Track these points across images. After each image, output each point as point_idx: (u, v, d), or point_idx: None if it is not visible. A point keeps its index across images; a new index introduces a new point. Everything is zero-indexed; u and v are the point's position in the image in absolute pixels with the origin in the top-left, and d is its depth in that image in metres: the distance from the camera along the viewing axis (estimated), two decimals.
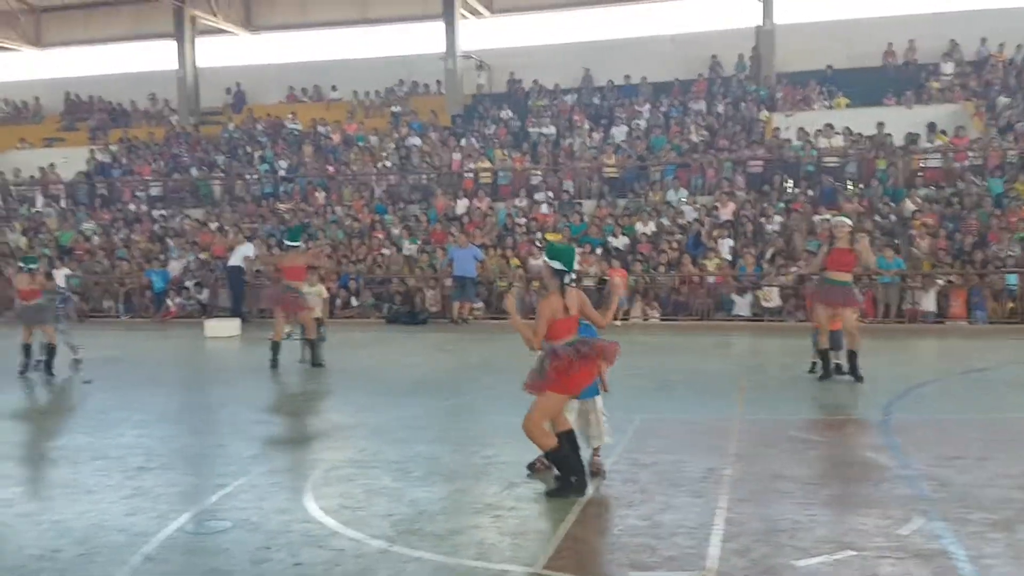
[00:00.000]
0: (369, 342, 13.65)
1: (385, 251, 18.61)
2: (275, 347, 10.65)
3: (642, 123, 22.91)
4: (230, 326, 14.95)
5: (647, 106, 23.71)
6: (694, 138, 21.27)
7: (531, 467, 5.68)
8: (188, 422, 7.68)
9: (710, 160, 19.93)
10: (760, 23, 24.22)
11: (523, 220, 19.30)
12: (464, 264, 15.97)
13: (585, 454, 5.47)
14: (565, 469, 5.14)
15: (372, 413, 7.78)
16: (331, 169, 23.27)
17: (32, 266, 10.74)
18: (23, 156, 26.43)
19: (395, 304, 17.10)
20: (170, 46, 28.68)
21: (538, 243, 17.94)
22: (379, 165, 23.10)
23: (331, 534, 4.60)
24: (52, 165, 24.41)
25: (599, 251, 16.97)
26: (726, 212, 18.15)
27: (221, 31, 28.87)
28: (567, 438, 5.23)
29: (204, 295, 18.09)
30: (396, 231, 19.54)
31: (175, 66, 28.50)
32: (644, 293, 15.93)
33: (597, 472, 5.48)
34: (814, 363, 9.28)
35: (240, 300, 17.33)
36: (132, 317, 18.16)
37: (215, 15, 27.81)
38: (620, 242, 17.59)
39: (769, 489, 5.36)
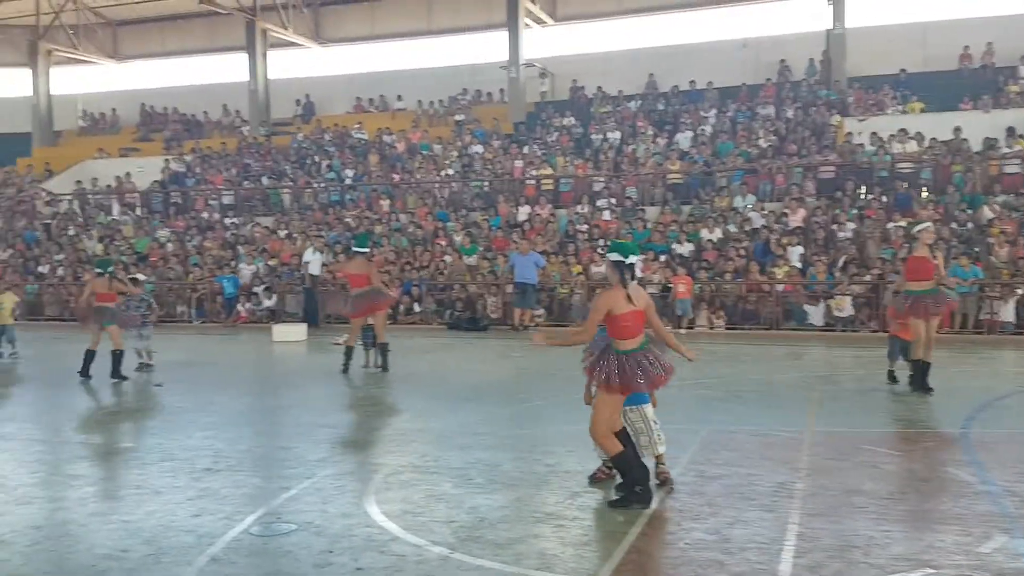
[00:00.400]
0: (431, 348, 13.70)
1: (447, 258, 18.71)
2: (348, 352, 10.74)
3: (708, 128, 22.60)
4: (297, 331, 15.19)
5: (713, 111, 23.39)
6: (762, 143, 20.87)
7: (593, 477, 5.58)
8: (255, 424, 7.79)
9: (779, 166, 19.51)
10: (831, 27, 23.69)
11: (585, 227, 19.20)
12: (525, 271, 15.93)
13: (649, 464, 5.35)
14: (629, 476, 5.02)
15: (434, 418, 7.78)
16: (396, 177, 23.54)
17: (108, 270, 11.00)
18: (100, 166, 27.42)
19: (457, 310, 17.16)
20: (242, 59, 29.46)
21: (600, 250, 17.82)
22: (442, 173, 23.28)
23: (392, 539, 4.59)
24: (128, 174, 25.24)
25: (662, 258, 16.76)
26: (796, 219, 17.74)
27: (291, 44, 29.54)
28: (623, 438, 5.12)
29: (273, 300, 18.44)
30: (458, 238, 19.63)
31: (247, 78, 29.25)
32: (710, 301, 15.64)
33: (664, 482, 5.34)
34: (890, 372, 9.08)
35: (313, 306, 17.53)
36: (204, 322, 18.62)
37: (286, 28, 28.46)
38: (685, 249, 17.33)
39: (843, 504, 5.16)
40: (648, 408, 5.47)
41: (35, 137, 30.65)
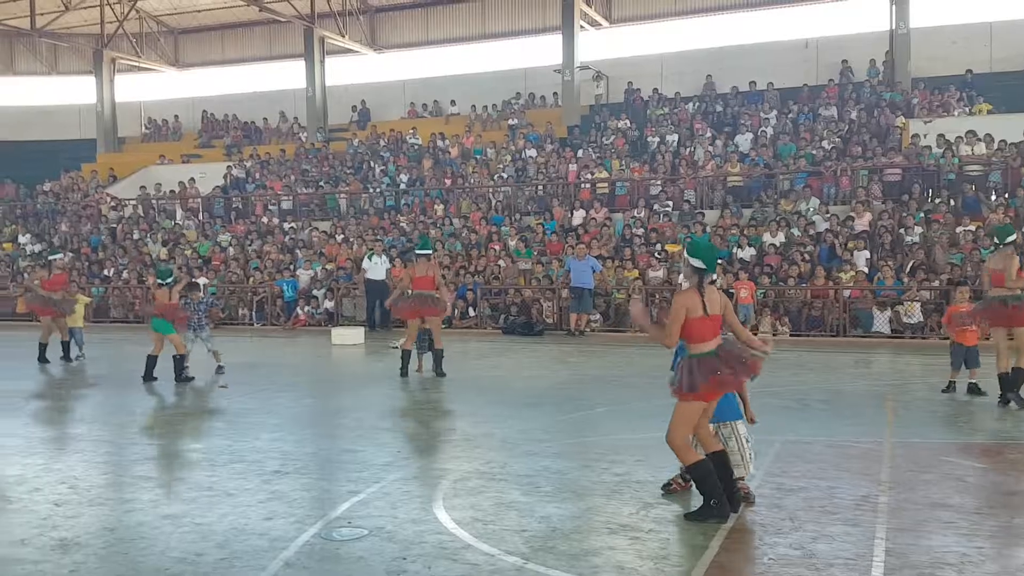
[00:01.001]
0: (488, 352, 13.64)
1: (501, 262, 18.66)
2: (405, 356, 10.75)
3: (769, 130, 22.19)
4: (355, 334, 15.28)
5: (774, 113, 22.98)
6: (825, 145, 20.42)
7: (667, 487, 5.44)
8: (319, 427, 7.80)
9: (844, 168, 19.04)
10: (894, 27, 23.12)
11: (641, 231, 18.98)
12: (581, 275, 15.78)
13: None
14: (705, 489, 4.86)
15: (496, 424, 7.70)
16: (448, 182, 23.60)
17: (168, 280, 11.15)
18: (163, 171, 28.02)
19: (511, 315, 17.08)
20: (299, 66, 29.90)
21: (657, 254, 17.60)
22: (495, 177, 23.25)
23: (464, 547, 4.50)
24: (191, 180, 25.73)
25: (721, 262, 16.47)
26: (862, 222, 17.29)
27: (347, 51, 29.90)
28: (718, 459, 4.96)
29: (331, 304, 18.60)
30: (512, 243, 19.57)
31: (304, 85, 29.69)
32: (773, 307, 15.30)
33: (744, 497, 5.16)
34: (951, 383, 8.85)
35: (374, 310, 17.47)
36: (264, 325, 18.86)
37: (343, 35, 28.82)
38: (746, 253, 17.00)
39: (930, 519, 4.93)
40: (741, 425, 5.30)
41: (100, 143, 31.51)
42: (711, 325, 4.95)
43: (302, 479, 5.93)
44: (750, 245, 17.19)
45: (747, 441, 5.31)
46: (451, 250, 19.96)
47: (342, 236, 21.81)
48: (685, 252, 5.14)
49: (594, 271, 15.93)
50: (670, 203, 20.10)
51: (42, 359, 12.84)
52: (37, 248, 24.43)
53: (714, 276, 5.14)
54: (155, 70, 32.92)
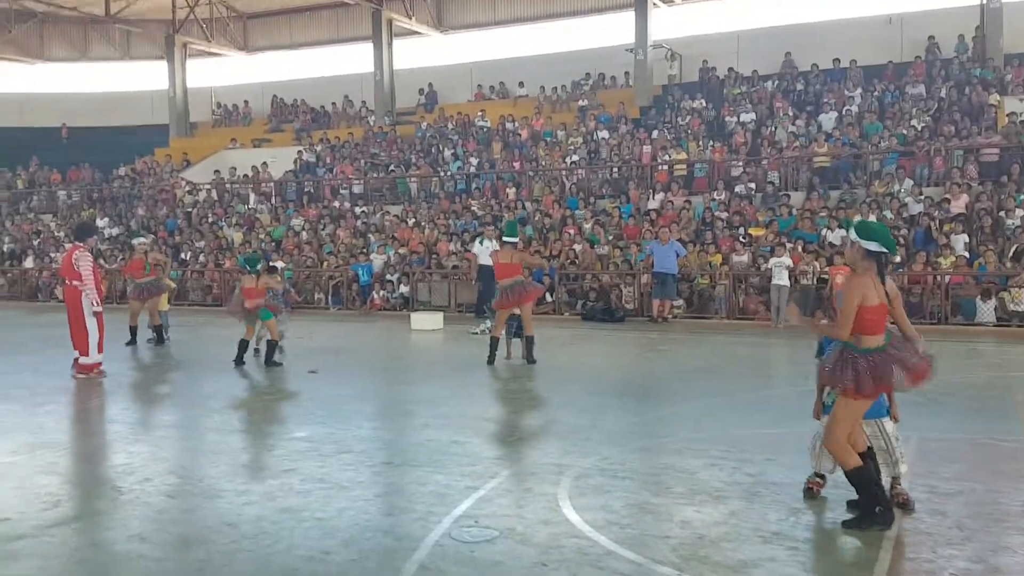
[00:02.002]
0: (571, 340, 13.31)
1: (577, 247, 18.27)
2: (493, 343, 10.50)
3: (853, 109, 21.31)
4: (434, 319, 15.09)
5: (858, 91, 22.05)
6: (915, 124, 19.51)
7: (808, 490, 5.04)
8: (419, 416, 7.56)
9: (938, 148, 18.15)
10: (984, 1, 21.98)
11: (724, 214, 18.40)
12: (665, 260, 15.31)
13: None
14: (868, 495, 4.46)
15: (600, 416, 7.38)
16: (517, 165, 23.27)
17: (256, 268, 11.07)
18: (235, 156, 28.28)
19: (590, 301, 16.71)
20: (366, 49, 29.83)
21: (742, 239, 17.02)
22: (567, 160, 22.83)
23: (606, 553, 4.20)
24: (264, 164, 25.90)
25: (808, 246, 15.81)
26: (958, 205, 16.45)
27: (414, 33, 29.70)
28: (869, 458, 4.57)
29: (406, 288, 18.49)
30: (587, 226, 19.17)
31: (371, 68, 29.60)
32: None
33: (904, 504, 4.74)
34: None
35: (484, 297, 16.48)
36: (340, 309, 18.85)
37: (410, 17, 28.63)
38: (836, 237, 16.30)
39: None
40: (888, 423, 4.88)
41: (172, 128, 31.94)
42: (884, 315, 4.51)
43: (414, 471, 5.70)
44: (841, 228, 16.47)
45: (895, 439, 4.89)
46: (524, 234, 19.67)
47: (413, 220, 21.69)
48: (854, 235, 4.65)
49: (678, 255, 15.45)
50: (752, 185, 19.47)
51: (132, 342, 12.98)
52: (115, 231, 24.88)
53: (896, 258, 4.66)
54: (225, 55, 33.24)
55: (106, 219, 25.73)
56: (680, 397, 8.33)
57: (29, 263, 23.98)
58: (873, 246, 4.54)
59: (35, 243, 25.30)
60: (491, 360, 10.46)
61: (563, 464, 5.82)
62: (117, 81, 35.14)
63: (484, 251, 16.51)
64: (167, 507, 5.12)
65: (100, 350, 9.84)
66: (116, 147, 30.84)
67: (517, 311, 10.81)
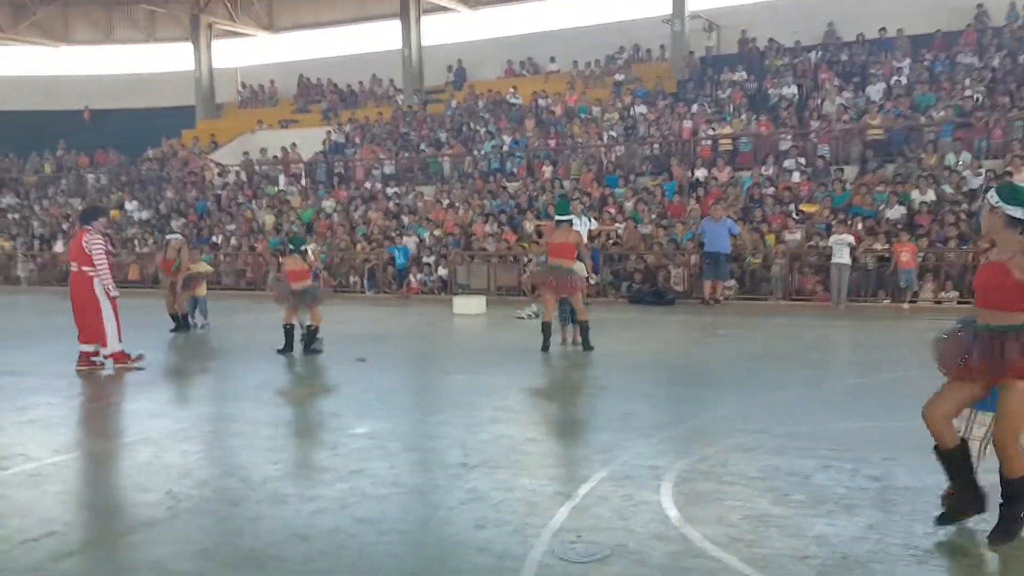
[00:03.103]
0: (622, 324, 12.74)
1: (618, 226, 17.66)
2: (546, 329, 9.96)
3: (903, 79, 20.45)
4: (477, 304, 14.58)
5: (907, 61, 21.16)
6: (969, 94, 18.64)
7: (947, 501, 4.44)
8: (482, 409, 7.02)
9: (997, 119, 17.30)
10: None
11: (771, 190, 17.70)
12: (717, 238, 14.68)
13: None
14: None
15: (678, 408, 6.85)
16: (552, 142, 22.65)
17: (300, 248, 10.62)
18: (261, 137, 27.84)
19: (635, 283, 16.12)
20: (393, 26, 29.18)
21: (795, 216, 16.34)
22: (604, 136, 22.16)
23: None
24: (293, 145, 25.43)
25: (865, 223, 15.12)
26: (1020, 178, 15.60)
27: (442, 8, 29.00)
28: (962, 452, 4.02)
29: (444, 271, 17.98)
30: (629, 204, 18.55)
31: (398, 46, 28.98)
32: (934, 271, 13.94)
33: None
34: None
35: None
36: (376, 292, 18.40)
37: None
38: (895, 212, 15.58)
39: None
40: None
41: (198, 110, 31.57)
42: None
43: (495, 474, 5.18)
44: (900, 203, 15.75)
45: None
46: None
47: (447, 201, 21.17)
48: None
49: (732, 234, 14.80)
50: (802, 159, 18.74)
51: (180, 328, 12.61)
52: (145, 215, 24.56)
53: None
54: (250, 35, 32.73)
55: (135, 202, 25.42)
56: (759, 386, 7.75)
57: (59, 247, 23.69)
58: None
59: (64, 227, 25.02)
60: (545, 347, 9.93)
61: (658, 466, 5.28)
62: (142, 63, 34.76)
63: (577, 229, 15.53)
64: (229, 515, 4.64)
65: (120, 338, 9.27)
66: (142, 129, 30.52)
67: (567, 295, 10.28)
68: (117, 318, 9.23)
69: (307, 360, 9.93)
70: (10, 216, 27.11)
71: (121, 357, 9.23)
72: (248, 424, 6.72)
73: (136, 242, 22.68)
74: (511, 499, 4.72)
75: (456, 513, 4.52)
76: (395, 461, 5.51)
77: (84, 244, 9.15)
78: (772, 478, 4.99)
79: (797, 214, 16.33)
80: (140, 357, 9.44)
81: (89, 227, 9.32)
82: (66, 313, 9.45)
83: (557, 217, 10.21)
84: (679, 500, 4.61)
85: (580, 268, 10.31)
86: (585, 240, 14.58)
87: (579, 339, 10.35)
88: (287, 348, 10.23)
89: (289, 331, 10.28)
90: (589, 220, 15.37)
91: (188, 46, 31.76)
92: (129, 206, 25.42)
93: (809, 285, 14.95)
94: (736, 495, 4.70)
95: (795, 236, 15.85)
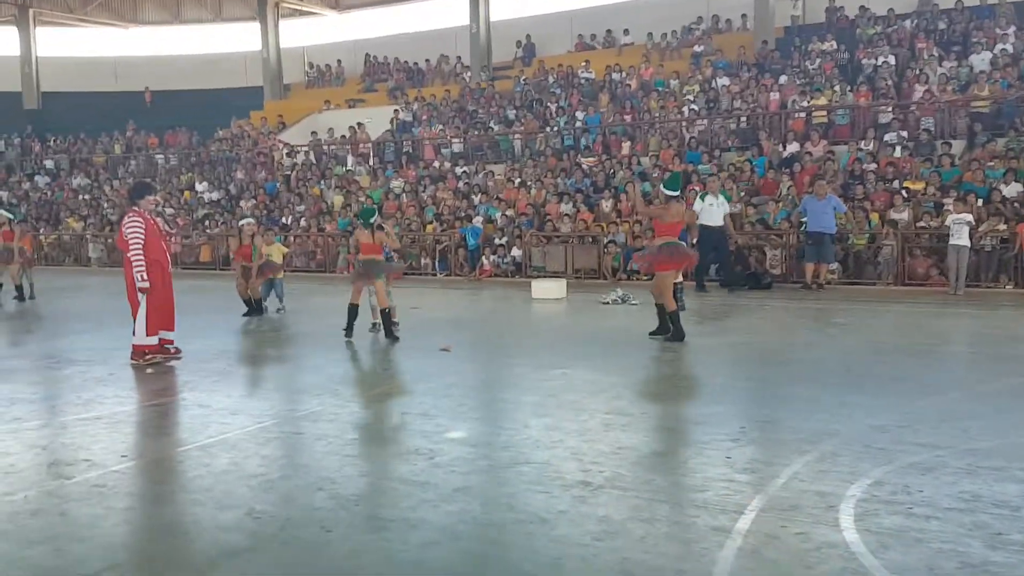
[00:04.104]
0: (722, 311, 11.76)
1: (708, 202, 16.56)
2: (672, 318, 9.02)
3: (1008, 48, 18.85)
4: (557, 287, 13.73)
5: (1011, 29, 19.51)
6: None
7: None
8: (590, 410, 6.20)
9: None
10: None
11: (873, 166, 16.42)
12: (822, 217, 13.51)
13: None
14: None
15: (826, 415, 5.90)
16: (628, 118, 21.61)
17: (371, 220, 9.96)
18: (330, 117, 27.37)
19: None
20: (462, 2, 28.36)
21: (904, 194, 15.06)
22: (684, 110, 21.02)
23: None
24: (361, 124, 24.88)
25: (978, 201, 13.81)
26: None
27: None
28: None
29: (518, 253, 17.18)
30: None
31: (466, 22, 28.17)
32: None
33: None
34: None
35: (728, 265, 14.45)
36: (447, 275, 17.71)
37: None
38: (1011, 190, 14.22)
39: None
40: None
41: (266, 90, 31.27)
42: None
43: (627, 498, 4.36)
44: (1017, 180, 14.37)
45: None
46: (644, 192, 18.11)
47: (519, 179, 20.34)
48: None
49: (837, 212, 13.61)
50: (904, 133, 17.38)
51: (253, 312, 12.10)
52: (215, 196, 24.32)
53: None
54: (316, 14, 32.31)
55: (204, 183, 25.21)
56: (909, 388, 6.75)
57: None
58: None
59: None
60: (676, 336, 8.94)
61: (825, 492, 4.38)
62: (209, 43, 34.66)
63: (706, 208, 14.05)
64: (323, 545, 3.91)
65: (153, 332, 8.40)
66: (211, 110, 30.38)
67: (680, 280, 9.41)
68: (158, 309, 8.42)
69: (386, 348, 9.24)
70: (81, 197, 27.24)
71: (139, 350, 8.40)
72: (331, 424, 6.02)
73: (207, 223, 22.43)
74: (655, 535, 3.89)
75: (594, 554, 3.71)
76: (504, 477, 4.73)
77: (124, 227, 8.44)
78: (974, 510, 4.06)
79: (905, 192, 15.06)
80: (174, 352, 8.64)
81: (136, 207, 8.57)
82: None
83: (667, 192, 9.29)
84: (869, 541, 3.72)
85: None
86: (725, 223, 13.79)
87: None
88: (348, 330, 9.63)
89: (353, 311, 9.64)
90: (727, 200, 14.34)
91: (255, 26, 31.47)
92: (199, 187, 25.23)
93: (921, 269, 13.72)
94: (938, 534, 3.79)
95: (902, 215, 14.61)
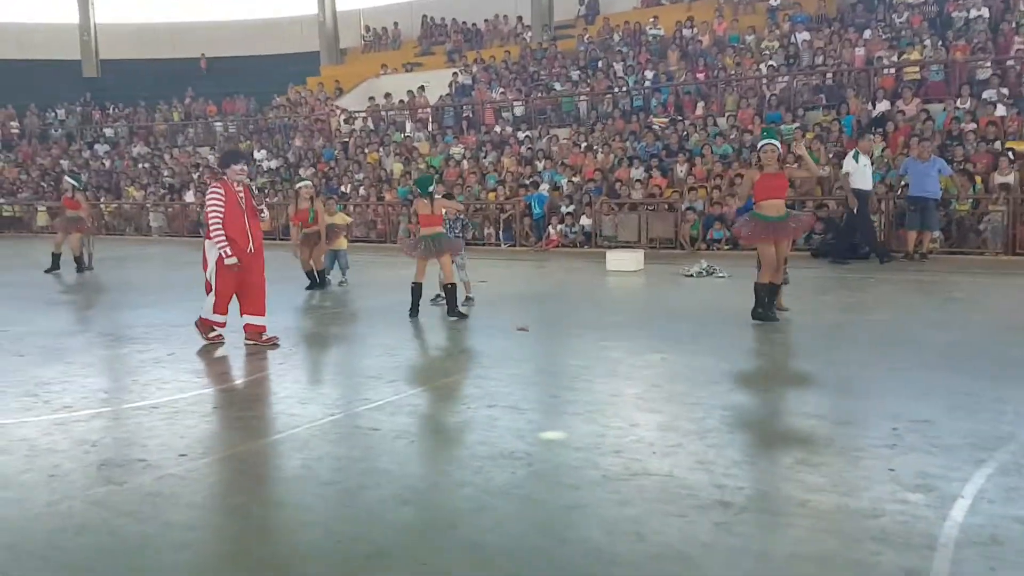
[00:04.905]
0: (815, 284, 10.76)
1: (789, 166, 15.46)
2: (772, 294, 8.19)
3: None
4: (634, 259, 12.87)
5: None
6: None
7: None
8: (704, 406, 5.46)
9: None
10: None
11: (972, 125, 15.10)
12: (925, 181, 12.37)
13: None
14: None
15: (989, 414, 5.03)
16: (701, 76, 20.43)
17: (428, 189, 9.22)
18: (387, 82, 26.65)
19: (815, 232, 14.00)
20: None
21: (1011, 155, 13.78)
22: (763, 67, 19.77)
23: None
24: (421, 88, 24.11)
25: None
26: None
27: None
28: None
29: (587, 222, 16.32)
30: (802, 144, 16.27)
31: None
32: None
33: None
34: None
35: (871, 234, 12.96)
36: (512, 245, 16.96)
37: None
38: None
39: None
40: None
41: (323, 55, 30.69)
42: None
43: (781, 527, 3.57)
44: None
45: None
46: (722, 154, 17.06)
47: (585, 144, 19.41)
48: None
49: (943, 175, 12.44)
50: (1005, 90, 15.97)
51: (317, 285, 11.54)
52: (273, 164, 23.88)
53: None
54: None
55: (263, 151, 24.78)
56: None
57: (189, 197, 23.36)
58: None
59: (195, 176, 24.70)
60: (767, 314, 8.14)
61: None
62: (266, 8, 34.24)
63: (860, 170, 12.52)
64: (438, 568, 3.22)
65: (222, 309, 7.74)
66: (267, 77, 29.95)
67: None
68: (229, 288, 7.70)
69: (458, 327, 8.56)
70: (141, 166, 27.09)
71: (204, 324, 7.85)
72: (410, 418, 5.34)
73: (266, 191, 22.01)
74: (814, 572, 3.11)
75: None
76: (625, 493, 3.98)
77: (206, 200, 7.76)
78: None
79: (1009, 153, 13.76)
80: (218, 338, 7.90)
81: (224, 176, 7.85)
82: (198, 266, 8.26)
83: (763, 148, 8.32)
84: None
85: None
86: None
87: (783, 304, 8.60)
88: (413, 310, 8.99)
89: (416, 290, 8.99)
90: (867, 160, 12.73)
91: None
92: (258, 155, 24.81)
93: None
94: None
95: (1007, 178, 13.37)
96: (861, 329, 7.79)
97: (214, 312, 7.76)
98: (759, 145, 8.35)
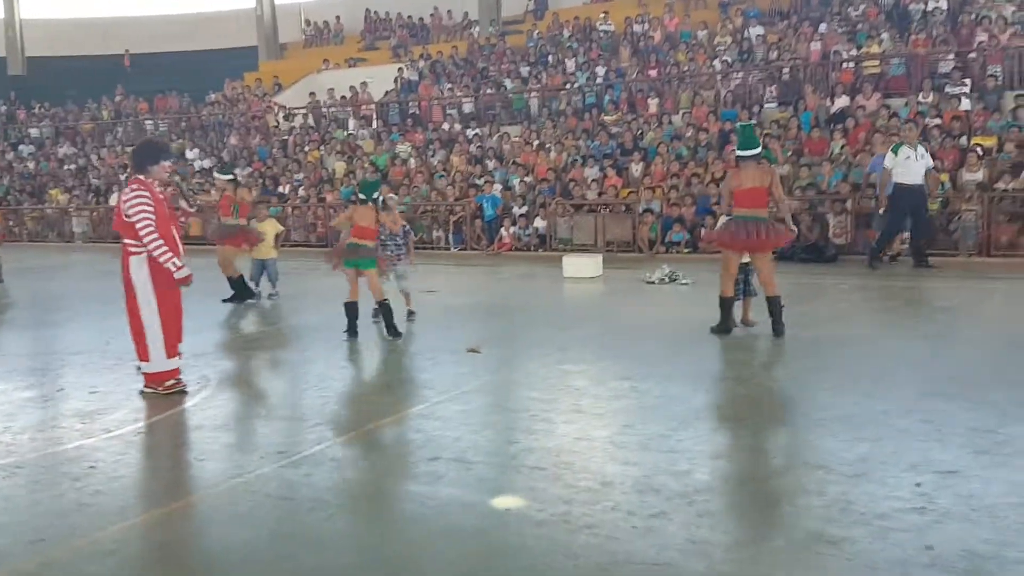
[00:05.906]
0: (796, 291, 9.94)
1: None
2: (726, 306, 7.46)
3: None
4: (591, 264, 12.03)
5: None
6: None
7: None
8: (710, 446, 4.65)
9: None
10: None
11: (937, 120, 14.64)
12: (912, 167, 11.38)
13: None
14: None
15: (987, 445, 4.29)
16: (653, 73, 19.79)
17: (374, 196, 8.28)
18: (329, 78, 25.53)
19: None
20: None
21: (979, 151, 13.30)
22: (716, 63, 19.19)
23: None
24: (364, 84, 23.04)
25: None
26: None
27: None
28: None
29: (542, 224, 15.47)
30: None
31: None
32: None
33: None
34: None
35: (892, 236, 11.84)
36: (462, 249, 16.03)
37: None
38: None
39: None
40: None
41: (261, 50, 29.41)
42: None
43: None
44: None
45: None
46: (678, 155, 16.37)
47: (537, 142, 18.58)
48: None
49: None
50: (967, 82, 15.56)
51: (238, 296, 10.41)
52: (206, 164, 22.58)
53: None
54: None
55: (196, 150, 23.45)
56: None
57: (114, 200, 21.90)
58: None
59: (121, 178, 23.22)
60: (724, 328, 7.48)
61: None
62: (199, 2, 32.72)
63: (902, 163, 11.35)
64: None
65: (172, 352, 6.10)
66: (202, 73, 28.54)
67: (747, 259, 7.74)
68: (172, 320, 6.08)
69: (396, 349, 7.63)
70: (67, 167, 25.51)
71: (158, 379, 6.10)
72: (331, 479, 4.39)
73: (198, 192, 20.70)
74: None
75: None
76: (663, 544, 3.10)
77: (124, 202, 5.96)
78: None
79: (977, 149, 13.29)
80: (178, 384, 6.18)
81: (142, 175, 6.08)
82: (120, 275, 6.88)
83: (739, 153, 7.57)
84: None
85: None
86: (925, 180, 11.10)
87: (750, 318, 7.87)
88: (350, 331, 8.05)
89: (350, 309, 8.06)
90: (925, 153, 11.57)
91: None
92: (190, 154, 23.47)
93: (1005, 236, 12.02)
94: None
95: (975, 176, 12.89)
96: (849, 346, 7.04)
97: (167, 358, 6.08)
98: (738, 153, 7.56)
